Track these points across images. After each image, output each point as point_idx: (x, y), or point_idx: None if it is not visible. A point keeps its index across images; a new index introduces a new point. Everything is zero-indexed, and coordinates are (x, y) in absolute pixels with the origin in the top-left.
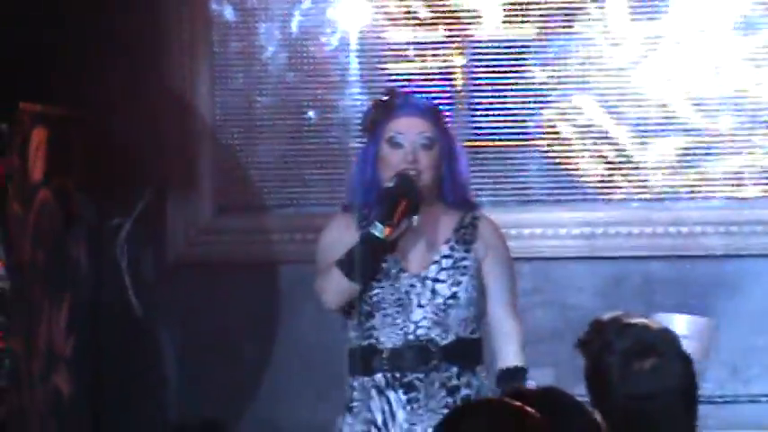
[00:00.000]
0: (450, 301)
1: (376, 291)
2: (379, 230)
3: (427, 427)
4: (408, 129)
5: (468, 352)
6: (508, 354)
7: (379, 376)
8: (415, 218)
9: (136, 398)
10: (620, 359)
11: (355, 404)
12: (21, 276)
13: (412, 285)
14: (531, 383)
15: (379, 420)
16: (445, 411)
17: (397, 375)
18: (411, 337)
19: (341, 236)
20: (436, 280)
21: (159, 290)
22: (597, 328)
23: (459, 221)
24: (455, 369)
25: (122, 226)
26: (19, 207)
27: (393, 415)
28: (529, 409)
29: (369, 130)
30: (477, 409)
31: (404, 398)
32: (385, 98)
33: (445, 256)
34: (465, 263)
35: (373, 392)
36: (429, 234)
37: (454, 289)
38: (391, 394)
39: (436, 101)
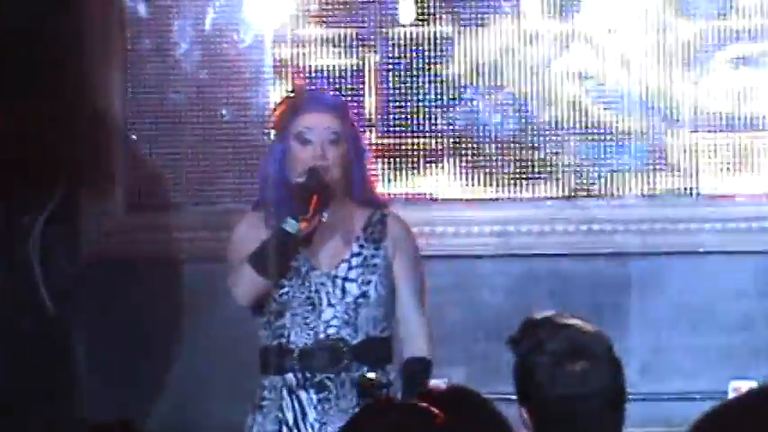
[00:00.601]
0: (361, 300)
1: (286, 289)
2: (291, 226)
3: (338, 427)
4: (316, 124)
5: (379, 351)
6: (414, 348)
7: (290, 376)
8: (325, 214)
9: (47, 394)
10: (550, 360)
11: (265, 403)
12: None
13: (322, 284)
14: (441, 381)
15: (291, 420)
16: (356, 411)
17: (308, 375)
18: (321, 336)
19: (250, 233)
20: (346, 279)
21: (72, 288)
22: (529, 326)
23: (367, 219)
24: (365, 368)
25: (34, 223)
26: None
27: (304, 415)
28: (434, 409)
29: (276, 127)
30: (383, 409)
31: (315, 398)
32: (291, 95)
33: (355, 255)
34: (375, 261)
35: (284, 392)
36: (338, 232)
37: (364, 288)
38: (302, 394)
39: (348, 97)
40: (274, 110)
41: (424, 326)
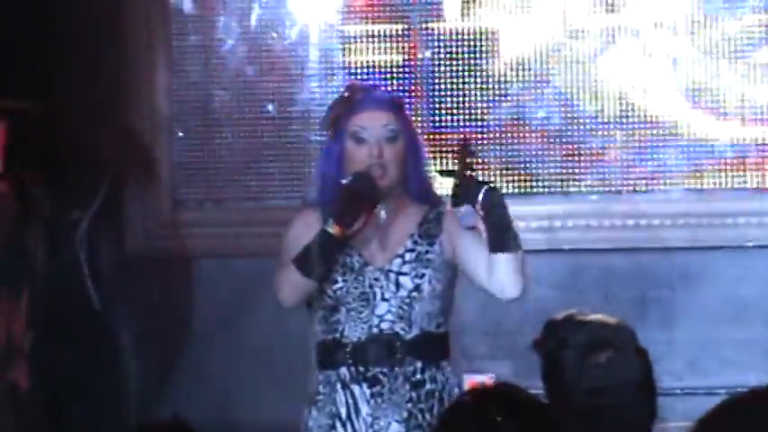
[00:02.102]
0: (415, 294)
1: (340, 284)
2: (330, 227)
3: (391, 421)
4: (372, 123)
5: (433, 346)
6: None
7: (343, 370)
8: (382, 213)
9: (94, 393)
10: (575, 354)
11: (320, 398)
12: None
13: (376, 279)
14: (487, 377)
15: (344, 414)
16: (409, 405)
17: (361, 369)
18: (375, 330)
19: (304, 232)
20: (400, 273)
21: (118, 284)
22: (552, 326)
23: (423, 216)
24: (419, 363)
25: (81, 220)
26: None
27: (357, 409)
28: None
29: (331, 127)
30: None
31: (368, 392)
32: (346, 93)
33: (409, 250)
34: (429, 256)
35: (338, 386)
36: (393, 228)
37: (417, 282)
38: (355, 388)
39: (395, 93)
40: (329, 109)
41: None
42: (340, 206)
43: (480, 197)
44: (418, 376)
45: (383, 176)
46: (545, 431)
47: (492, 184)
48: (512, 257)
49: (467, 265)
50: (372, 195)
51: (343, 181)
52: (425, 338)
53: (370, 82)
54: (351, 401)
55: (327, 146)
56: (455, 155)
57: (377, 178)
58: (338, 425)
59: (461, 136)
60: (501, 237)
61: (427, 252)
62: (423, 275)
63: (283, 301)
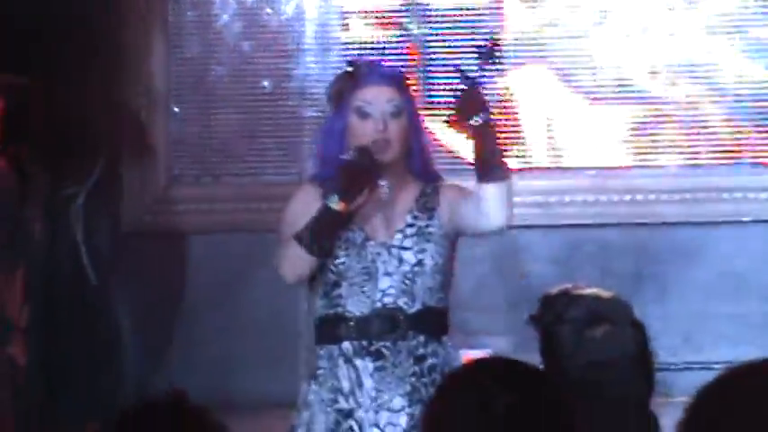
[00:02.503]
0: (417, 269)
1: (342, 260)
2: (334, 202)
3: (395, 395)
4: (377, 98)
5: (435, 321)
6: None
7: (346, 344)
8: (385, 188)
9: (91, 368)
10: (571, 329)
11: (321, 372)
12: None
13: (378, 254)
14: (483, 352)
15: (346, 388)
16: (412, 379)
17: (365, 344)
18: (378, 305)
19: (305, 208)
20: (402, 248)
21: (115, 259)
22: (547, 302)
23: (421, 190)
24: (422, 338)
25: (77, 195)
26: None
27: (360, 383)
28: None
29: (334, 102)
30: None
31: (371, 366)
32: (349, 68)
33: (409, 225)
34: (429, 229)
35: (340, 361)
36: (394, 204)
37: (420, 256)
38: (359, 362)
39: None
40: (332, 83)
41: None
42: (342, 181)
43: (474, 120)
44: (421, 350)
45: (387, 151)
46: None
47: (488, 113)
48: (498, 186)
49: (459, 212)
50: (374, 170)
51: (344, 156)
52: (428, 313)
53: (371, 57)
54: (354, 375)
55: (329, 121)
56: (480, 56)
57: (381, 152)
58: (341, 398)
59: (493, 40)
60: (488, 165)
61: (427, 226)
62: (424, 250)
63: (285, 277)
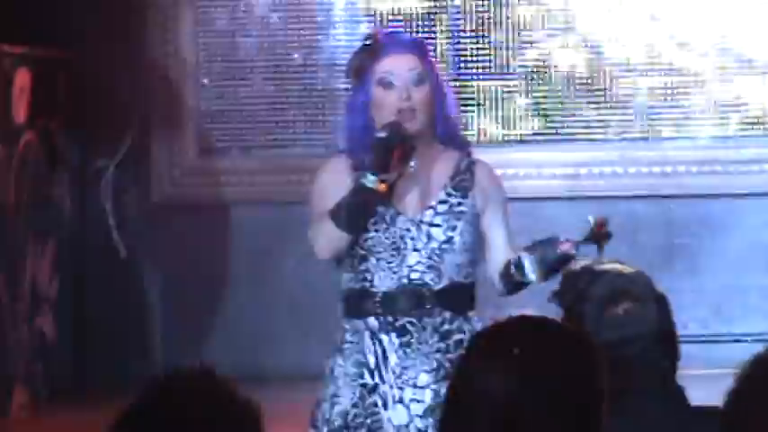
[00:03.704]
0: (446, 246)
1: (371, 234)
2: (371, 182)
3: (419, 371)
4: (398, 67)
5: (462, 297)
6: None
7: (371, 319)
8: (413, 164)
9: (121, 339)
10: (594, 306)
11: (347, 346)
12: (4, 218)
13: (407, 230)
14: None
15: (372, 363)
16: (437, 356)
17: (390, 319)
18: (405, 280)
19: (335, 179)
20: (432, 224)
21: (143, 231)
22: (569, 278)
23: (455, 167)
24: (447, 314)
25: (106, 168)
26: (2, 149)
27: (386, 358)
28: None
29: (356, 75)
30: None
31: (397, 341)
32: (368, 41)
33: (441, 202)
34: (461, 208)
35: (366, 335)
36: (425, 178)
37: (450, 234)
38: (384, 337)
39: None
40: (352, 57)
41: None
42: (377, 159)
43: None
44: (447, 326)
45: (413, 120)
46: (576, 359)
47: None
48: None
49: (483, 231)
50: (407, 144)
51: (378, 134)
52: (454, 289)
53: (395, 27)
54: (379, 350)
55: (353, 95)
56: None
57: (407, 122)
58: (366, 373)
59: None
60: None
61: (460, 204)
62: (455, 227)
63: (319, 253)
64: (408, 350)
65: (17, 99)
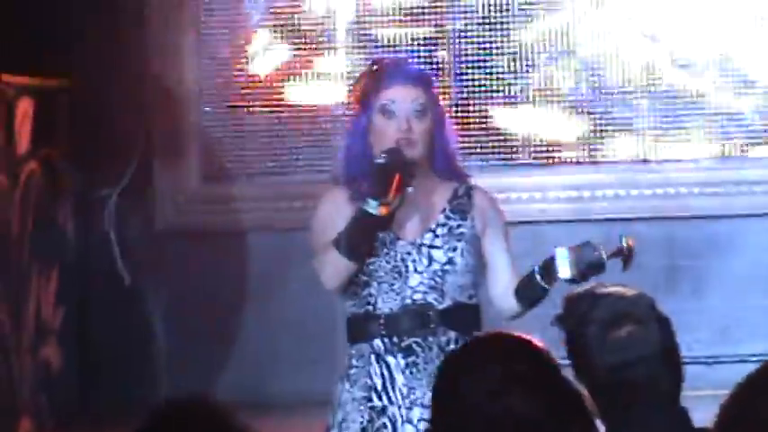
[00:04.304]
0: (447, 267)
1: (372, 260)
2: (373, 207)
3: (426, 391)
4: (401, 97)
5: (466, 317)
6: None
7: (377, 342)
8: (409, 189)
9: (125, 367)
10: (596, 330)
11: (353, 371)
12: (8, 247)
13: (408, 253)
14: None
15: (379, 386)
16: None
17: (395, 340)
18: (408, 301)
19: (335, 211)
20: (432, 246)
21: (147, 259)
22: (571, 302)
23: (453, 192)
24: (452, 334)
25: (110, 195)
26: (5, 179)
27: (393, 379)
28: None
29: (359, 101)
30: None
31: (403, 362)
32: (374, 67)
33: (440, 225)
34: (461, 230)
35: (372, 358)
36: (424, 204)
37: (450, 254)
38: (390, 359)
39: (423, 65)
40: (356, 83)
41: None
42: (378, 185)
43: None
44: (452, 346)
45: (411, 150)
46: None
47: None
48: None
49: (484, 254)
50: (407, 170)
51: (377, 160)
52: (458, 309)
53: (398, 55)
54: (386, 373)
55: (354, 121)
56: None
57: (406, 151)
58: (374, 396)
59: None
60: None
61: (459, 226)
62: (455, 248)
63: (326, 283)
64: (415, 370)
65: (20, 128)
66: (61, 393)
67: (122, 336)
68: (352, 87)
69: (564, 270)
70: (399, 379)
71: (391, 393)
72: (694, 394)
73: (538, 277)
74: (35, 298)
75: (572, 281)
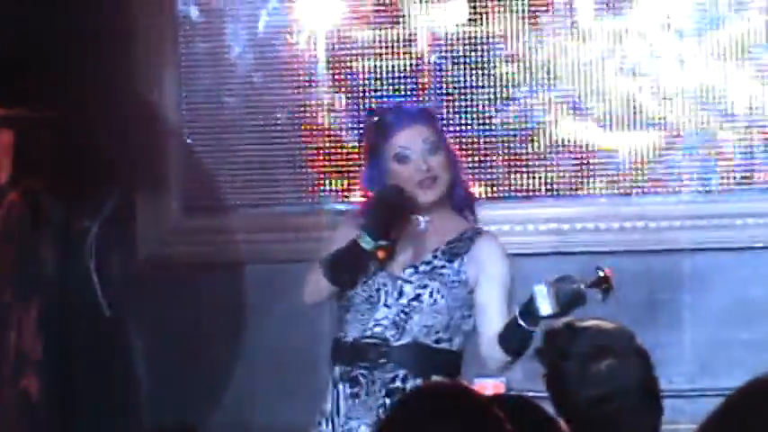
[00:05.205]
0: (414, 304)
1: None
2: (367, 243)
3: (361, 424)
4: (412, 141)
5: (425, 359)
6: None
7: (338, 368)
8: (422, 222)
9: (106, 400)
10: (576, 364)
11: (327, 394)
12: None
13: (384, 284)
14: (498, 380)
15: (328, 411)
16: (380, 411)
17: (348, 369)
18: (368, 333)
19: (348, 234)
20: (406, 281)
21: (128, 291)
22: (551, 336)
23: (459, 233)
24: (401, 372)
25: (91, 228)
26: None
27: (338, 407)
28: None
29: (369, 154)
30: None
31: (348, 391)
32: (376, 118)
33: (425, 263)
34: (441, 271)
35: (331, 384)
36: (423, 240)
37: (419, 291)
38: (340, 387)
39: (402, 98)
40: (361, 139)
41: None
42: (373, 219)
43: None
44: (398, 384)
45: (435, 188)
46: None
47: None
48: (509, 360)
49: (477, 304)
50: (404, 207)
51: (377, 193)
52: (416, 349)
53: (393, 99)
54: (335, 399)
55: (369, 170)
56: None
57: (428, 191)
58: (323, 422)
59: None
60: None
61: (443, 267)
62: (426, 286)
63: (305, 297)
64: (356, 401)
65: (0, 159)
66: (42, 424)
67: (103, 366)
68: (359, 140)
69: (545, 307)
70: (342, 407)
71: (335, 420)
72: (673, 428)
73: (521, 320)
74: (16, 328)
75: (553, 316)
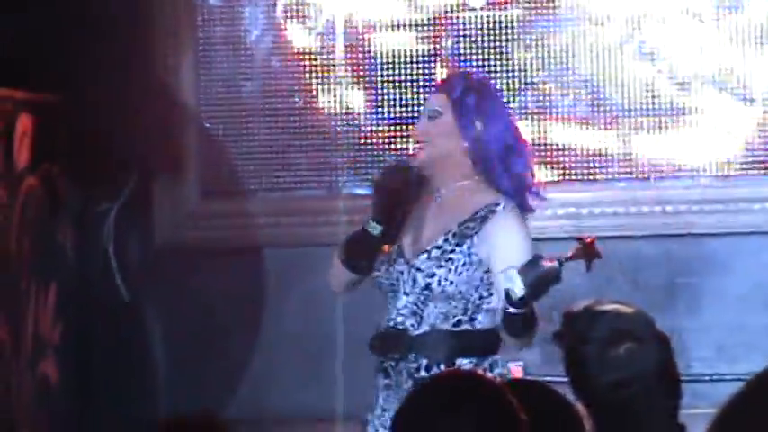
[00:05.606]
0: (426, 292)
1: (376, 275)
2: (372, 227)
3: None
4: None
5: (445, 344)
6: None
7: (375, 359)
8: (439, 195)
9: (124, 383)
10: (595, 348)
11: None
12: (6, 264)
13: (401, 272)
14: (516, 364)
15: (373, 401)
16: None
17: (381, 360)
18: (391, 323)
19: None
20: (418, 269)
21: (146, 276)
22: (569, 319)
23: (474, 211)
24: (423, 361)
25: (109, 212)
26: (5, 194)
27: (377, 397)
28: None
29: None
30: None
31: (382, 383)
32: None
33: (436, 247)
34: (450, 255)
35: (375, 373)
36: (436, 221)
37: (428, 280)
38: (377, 378)
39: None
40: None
41: None
42: (375, 202)
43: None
44: (422, 373)
45: (420, 153)
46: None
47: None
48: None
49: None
50: (405, 186)
51: (378, 176)
52: (436, 336)
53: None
54: (376, 390)
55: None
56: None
57: (414, 156)
58: (367, 411)
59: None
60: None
61: (452, 251)
62: (433, 275)
63: (331, 286)
64: (390, 392)
65: (19, 144)
66: (60, 408)
67: (121, 351)
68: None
69: (517, 290)
70: (381, 398)
71: (375, 410)
72: (692, 412)
73: (507, 305)
74: (33, 313)
75: (525, 299)
